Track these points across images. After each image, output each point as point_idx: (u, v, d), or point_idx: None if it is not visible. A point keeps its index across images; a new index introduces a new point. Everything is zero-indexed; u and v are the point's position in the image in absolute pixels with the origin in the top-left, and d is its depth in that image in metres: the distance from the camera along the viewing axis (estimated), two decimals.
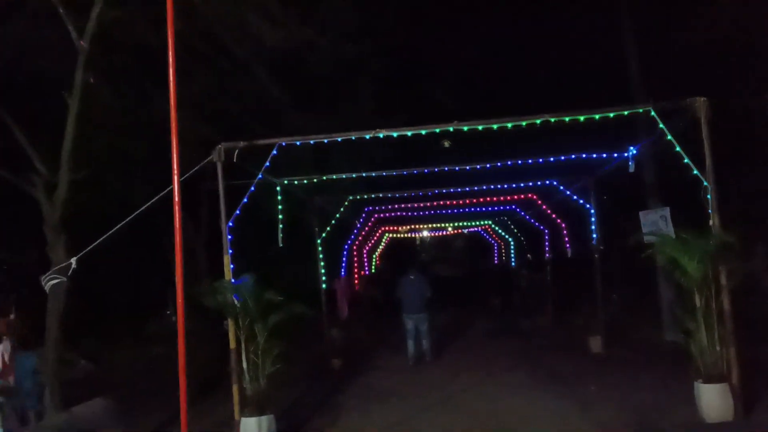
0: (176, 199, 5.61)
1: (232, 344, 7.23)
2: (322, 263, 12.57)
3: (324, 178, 11.07)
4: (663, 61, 14.49)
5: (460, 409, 8.57)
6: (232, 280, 7.44)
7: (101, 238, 6.50)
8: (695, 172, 7.80)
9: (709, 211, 7.64)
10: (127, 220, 6.77)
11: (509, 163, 11.66)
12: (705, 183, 7.71)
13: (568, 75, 16.76)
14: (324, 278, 12.62)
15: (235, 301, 7.21)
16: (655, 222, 11.45)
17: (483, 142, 11.69)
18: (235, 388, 7.20)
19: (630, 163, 10.12)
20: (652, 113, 8.26)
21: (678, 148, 8.08)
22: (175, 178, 5.64)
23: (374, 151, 14.33)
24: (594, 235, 12.49)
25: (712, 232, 7.49)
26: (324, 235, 12.98)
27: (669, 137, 8.02)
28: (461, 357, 12.66)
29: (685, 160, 7.90)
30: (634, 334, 12.70)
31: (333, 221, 13.71)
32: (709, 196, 7.69)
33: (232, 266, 7.64)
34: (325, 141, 8.43)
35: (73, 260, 6.42)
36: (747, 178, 14.38)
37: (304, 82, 15.11)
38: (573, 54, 16.21)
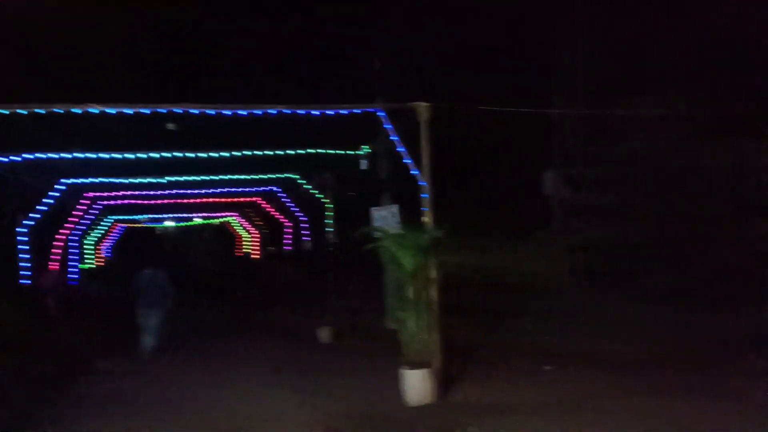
0: None
1: None
2: (25, 255, 10.85)
3: (25, 156, 9.51)
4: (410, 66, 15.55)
5: (183, 412, 8.00)
6: None
7: None
8: (413, 171, 8.37)
9: (424, 208, 8.24)
10: None
11: (249, 152, 11.39)
12: (421, 182, 8.29)
13: (332, 72, 17.11)
14: (29, 273, 10.93)
15: None
16: (386, 218, 12.14)
17: (225, 130, 11.22)
18: None
19: (362, 160, 10.58)
20: (381, 113, 8.68)
21: (400, 148, 8.60)
22: None
23: (106, 129, 12.88)
24: (329, 229, 12.85)
25: (425, 228, 8.07)
26: (30, 222, 11.23)
27: (392, 138, 8.50)
28: (192, 354, 11.97)
29: (404, 160, 8.43)
30: (364, 323, 13.32)
31: (42, 207, 11.94)
32: (425, 195, 8.28)
33: None
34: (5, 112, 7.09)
35: None
36: (468, 179, 16.16)
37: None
38: (333, 52, 16.63)
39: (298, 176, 13.56)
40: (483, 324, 10.70)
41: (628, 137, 14.05)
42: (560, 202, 15.25)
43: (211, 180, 13.68)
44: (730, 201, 13.02)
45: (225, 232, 29.71)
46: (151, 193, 15.61)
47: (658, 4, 14.02)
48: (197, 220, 27.46)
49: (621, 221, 13.65)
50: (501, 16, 15.18)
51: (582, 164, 15.04)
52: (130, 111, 7.95)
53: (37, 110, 7.16)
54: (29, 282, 11.03)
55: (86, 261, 18.98)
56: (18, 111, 7.20)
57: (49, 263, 14.00)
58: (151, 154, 10.86)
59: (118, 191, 14.96)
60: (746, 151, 12.91)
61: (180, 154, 10.98)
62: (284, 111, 8.48)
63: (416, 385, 7.09)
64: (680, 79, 13.56)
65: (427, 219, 8.22)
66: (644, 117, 12.85)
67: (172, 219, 27.02)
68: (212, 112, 8.20)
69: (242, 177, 13.51)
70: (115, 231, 23.19)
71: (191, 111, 8.08)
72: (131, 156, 10.97)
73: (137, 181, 13.67)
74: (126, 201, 16.64)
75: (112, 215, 20.04)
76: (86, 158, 11.00)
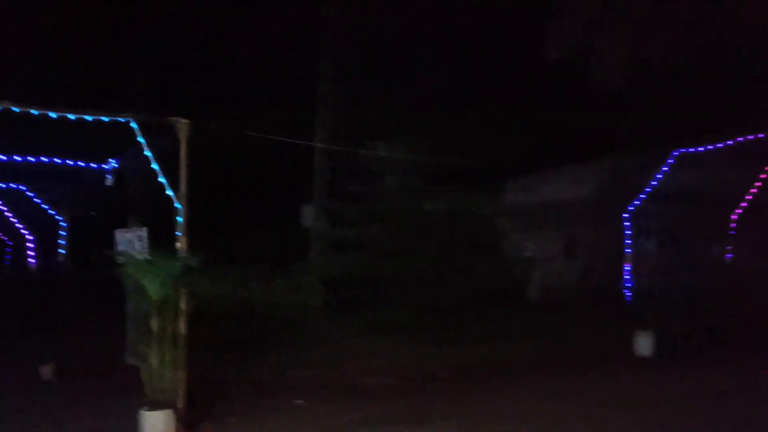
0: None
1: None
2: None
3: None
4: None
5: None
6: None
7: None
8: (168, 192, 7.73)
9: (178, 233, 7.63)
10: None
11: None
12: (177, 205, 7.70)
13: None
14: None
15: None
16: (132, 241, 11.02)
17: None
18: None
19: (108, 176, 9.55)
20: (133, 125, 7.92)
21: (154, 166, 7.90)
22: None
23: None
24: (62, 251, 11.30)
25: (178, 254, 7.47)
26: None
27: (146, 153, 7.79)
28: None
29: (159, 179, 7.77)
30: (99, 358, 11.85)
31: None
32: (180, 218, 7.69)
33: None
34: None
35: None
36: (229, 204, 15.72)
37: None
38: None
39: (26, 187, 11.69)
40: (236, 358, 10.25)
41: (382, 178, 15.04)
42: (318, 235, 15.57)
43: None
44: (457, 241, 14.70)
45: None
46: None
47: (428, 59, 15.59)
48: None
49: (371, 256, 14.42)
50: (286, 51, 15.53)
51: (340, 200, 15.66)
52: None
53: None
54: None
55: None
56: None
57: None
58: None
59: None
60: (474, 198, 14.95)
61: None
62: (13, 109, 7.23)
63: (156, 427, 6.40)
64: (428, 129, 15.01)
65: (180, 245, 7.62)
66: (392, 159, 13.97)
67: None
68: None
69: None
70: None
71: None
72: None
73: None
74: None
75: None
76: None
